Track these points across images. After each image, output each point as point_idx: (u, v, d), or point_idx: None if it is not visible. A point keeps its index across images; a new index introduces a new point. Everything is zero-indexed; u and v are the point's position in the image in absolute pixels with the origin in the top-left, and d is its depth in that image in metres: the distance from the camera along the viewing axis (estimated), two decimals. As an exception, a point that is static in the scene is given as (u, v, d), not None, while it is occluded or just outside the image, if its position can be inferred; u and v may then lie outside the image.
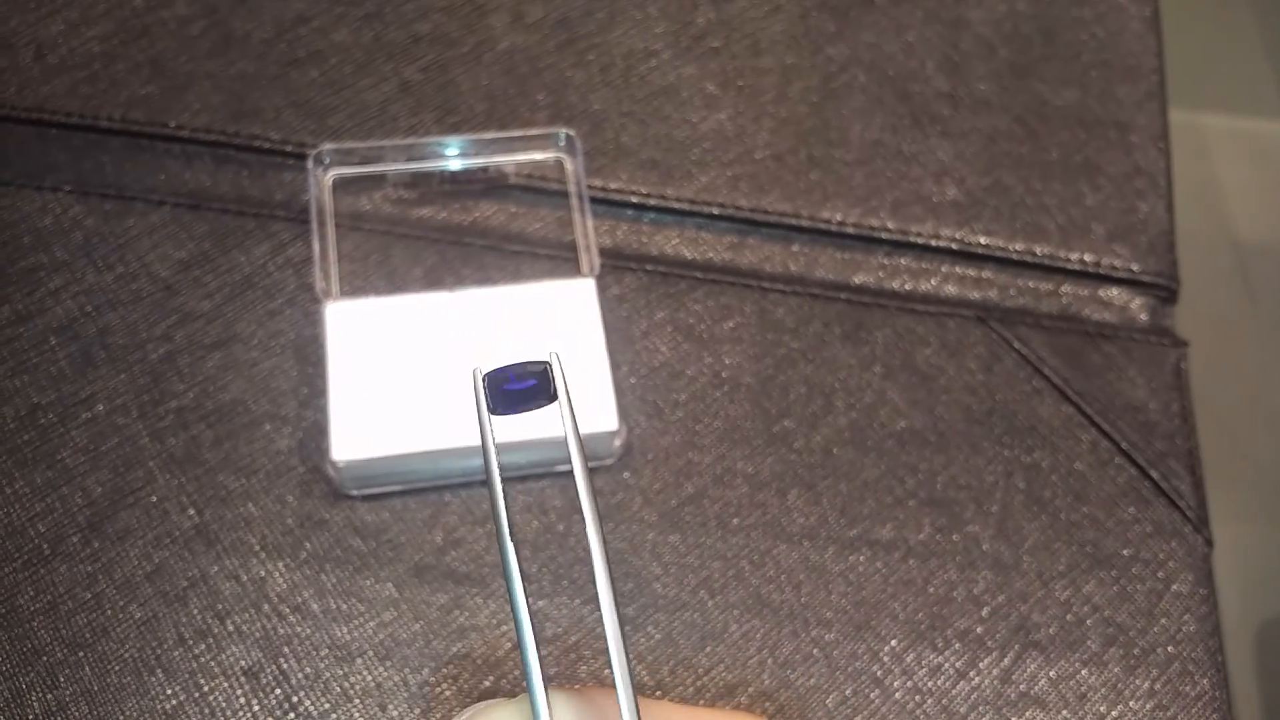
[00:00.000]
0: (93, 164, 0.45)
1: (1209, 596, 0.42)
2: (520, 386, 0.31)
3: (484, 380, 0.27)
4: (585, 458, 0.26)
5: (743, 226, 0.46)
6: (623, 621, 0.24)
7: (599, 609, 0.24)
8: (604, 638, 0.37)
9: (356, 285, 0.43)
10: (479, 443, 0.38)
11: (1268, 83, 1.08)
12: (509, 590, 0.24)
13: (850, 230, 0.46)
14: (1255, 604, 0.85)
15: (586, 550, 0.40)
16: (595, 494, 0.37)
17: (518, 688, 0.37)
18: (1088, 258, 0.47)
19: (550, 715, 0.23)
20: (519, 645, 0.23)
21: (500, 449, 0.41)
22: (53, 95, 0.46)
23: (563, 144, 0.46)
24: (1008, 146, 0.48)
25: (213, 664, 0.37)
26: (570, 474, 0.40)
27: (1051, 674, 0.39)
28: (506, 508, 0.26)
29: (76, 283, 0.43)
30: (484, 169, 0.46)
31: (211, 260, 0.43)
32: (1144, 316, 0.46)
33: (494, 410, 0.28)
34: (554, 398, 0.27)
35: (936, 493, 0.41)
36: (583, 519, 0.26)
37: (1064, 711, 0.39)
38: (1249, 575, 0.86)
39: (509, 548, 0.25)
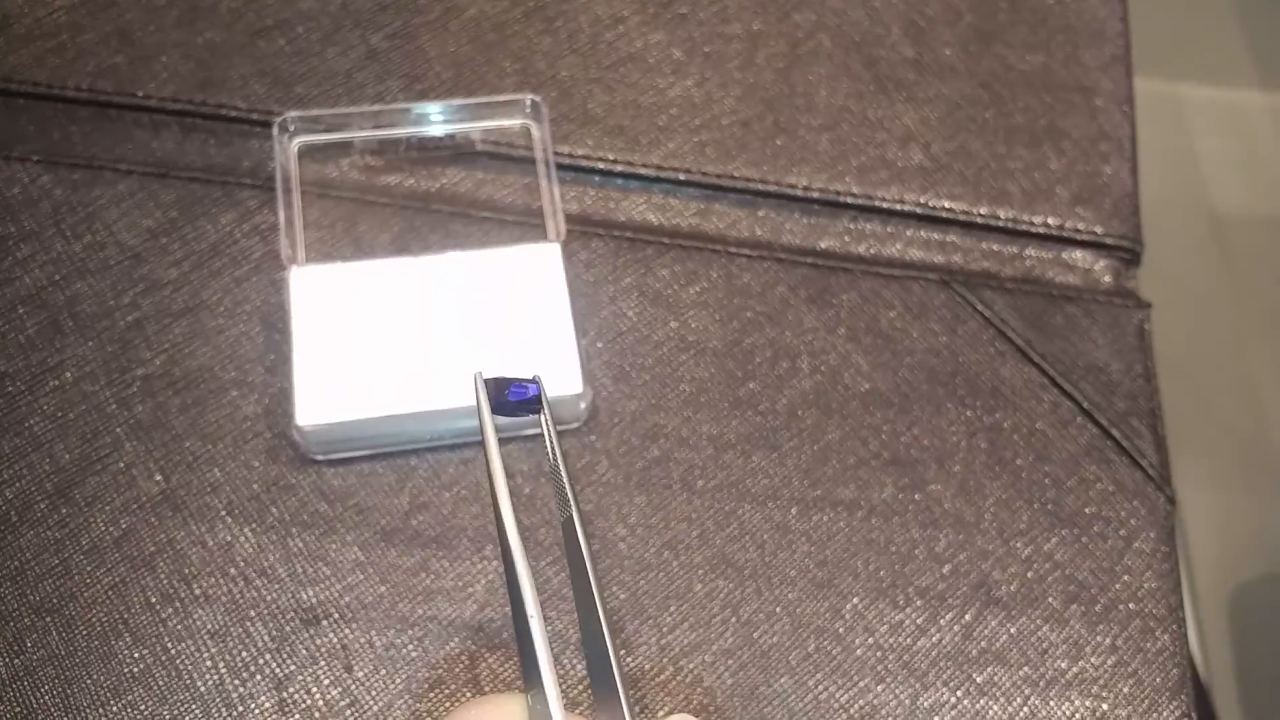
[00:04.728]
0: (60, 134, 0.45)
1: (1170, 554, 0.42)
2: (518, 396, 0.33)
3: (486, 384, 0.30)
4: (569, 473, 0.28)
5: (709, 192, 0.47)
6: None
7: (569, 572, 0.25)
8: (568, 599, 0.38)
9: (324, 252, 0.43)
10: (447, 407, 0.39)
11: (1242, 54, 1.08)
12: (511, 585, 0.25)
13: (816, 195, 0.46)
14: (1229, 566, 0.86)
15: (554, 513, 0.40)
16: (580, 510, 0.38)
17: (481, 649, 0.38)
18: (1051, 221, 0.47)
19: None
20: (517, 635, 0.24)
21: (469, 413, 0.41)
22: (20, 65, 0.46)
23: (529, 110, 0.46)
24: (972, 111, 0.48)
25: (180, 628, 0.37)
26: (537, 437, 0.41)
27: (1012, 630, 0.40)
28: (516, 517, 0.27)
29: (44, 252, 0.43)
30: (451, 136, 0.46)
31: (179, 228, 0.44)
32: (1107, 279, 0.47)
33: (495, 410, 0.31)
34: (538, 410, 0.30)
35: (899, 453, 0.42)
36: (554, 495, 0.28)
37: (1025, 668, 0.39)
38: (1223, 539, 0.87)
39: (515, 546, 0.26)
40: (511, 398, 0.31)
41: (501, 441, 0.41)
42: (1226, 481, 0.90)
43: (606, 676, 0.25)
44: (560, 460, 0.29)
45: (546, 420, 0.30)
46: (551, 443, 0.30)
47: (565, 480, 0.28)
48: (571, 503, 0.28)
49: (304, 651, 0.37)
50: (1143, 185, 0.49)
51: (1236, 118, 1.05)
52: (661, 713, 0.37)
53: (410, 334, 0.40)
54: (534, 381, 0.31)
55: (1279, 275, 0.99)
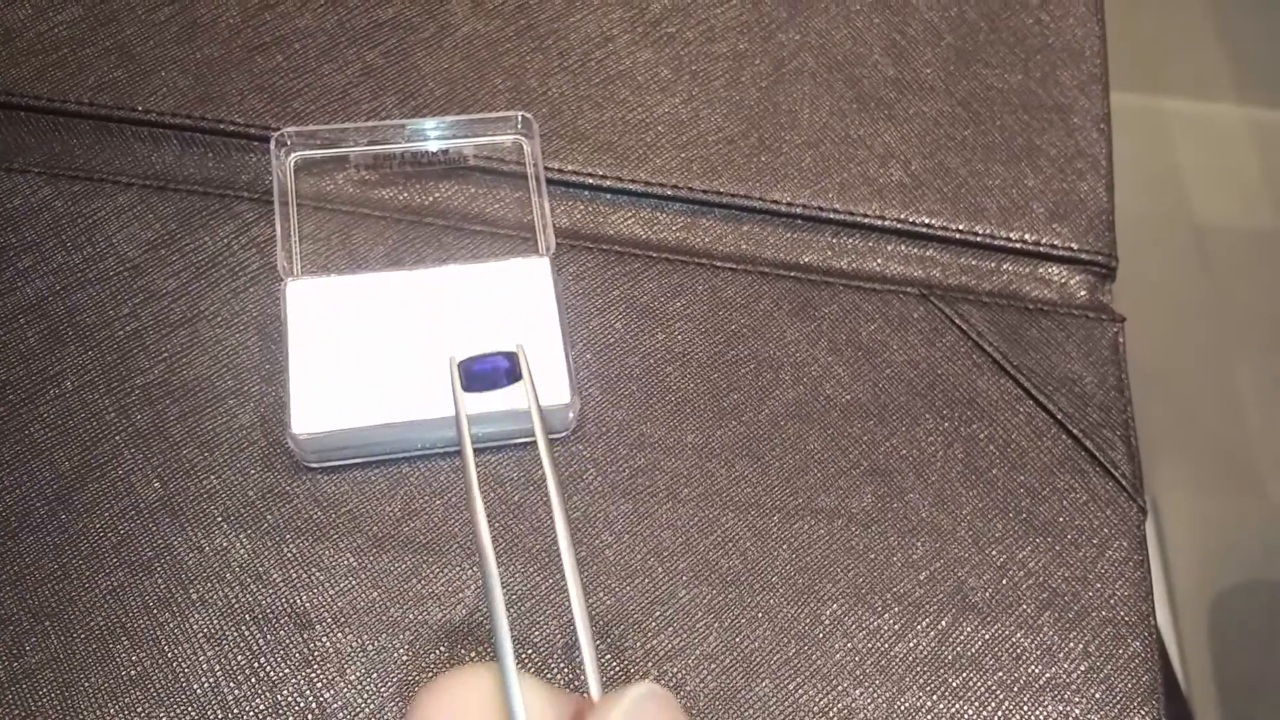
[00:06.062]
0: (61, 146, 0.46)
1: (1142, 562, 0.43)
2: (489, 367, 0.34)
3: (459, 366, 0.31)
4: (547, 433, 0.29)
5: (695, 208, 0.48)
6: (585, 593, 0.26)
7: (555, 577, 0.25)
8: (559, 605, 0.39)
9: (319, 264, 0.44)
10: (438, 416, 0.40)
11: (1220, 68, 1.10)
12: (480, 554, 0.26)
13: (799, 211, 0.48)
14: (1208, 573, 0.87)
15: (541, 521, 0.41)
16: (556, 463, 0.38)
17: (471, 653, 0.39)
18: (1028, 237, 0.48)
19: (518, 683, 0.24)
20: (490, 613, 0.25)
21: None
22: (21, 79, 0.47)
23: (521, 127, 0.47)
24: (951, 130, 0.50)
25: (177, 631, 0.38)
26: (526, 446, 0.42)
27: (986, 636, 0.41)
28: (479, 486, 0.28)
29: (45, 263, 0.44)
30: (444, 151, 0.47)
31: (177, 240, 0.45)
32: (1082, 293, 0.48)
33: (466, 388, 0.32)
34: (519, 378, 0.31)
35: (878, 463, 0.43)
36: (541, 491, 0.28)
37: (999, 673, 0.41)
38: (1202, 545, 0.88)
39: (480, 517, 0.27)
40: (477, 370, 0.32)
41: (493, 450, 0.42)
42: (1205, 488, 0.91)
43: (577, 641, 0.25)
44: (542, 437, 0.29)
45: (529, 389, 0.31)
46: (535, 417, 0.30)
47: (546, 459, 0.29)
48: (551, 483, 0.28)
49: (298, 655, 0.38)
50: (1122, 197, 0.50)
51: (1214, 130, 1.07)
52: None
53: (403, 345, 0.41)
54: (507, 355, 0.32)
55: (1256, 285, 1.00)
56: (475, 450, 0.41)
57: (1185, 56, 1.11)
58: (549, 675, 0.39)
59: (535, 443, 0.40)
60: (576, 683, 0.39)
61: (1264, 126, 1.07)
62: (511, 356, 0.32)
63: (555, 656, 0.39)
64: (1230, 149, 1.05)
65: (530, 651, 0.39)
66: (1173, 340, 0.95)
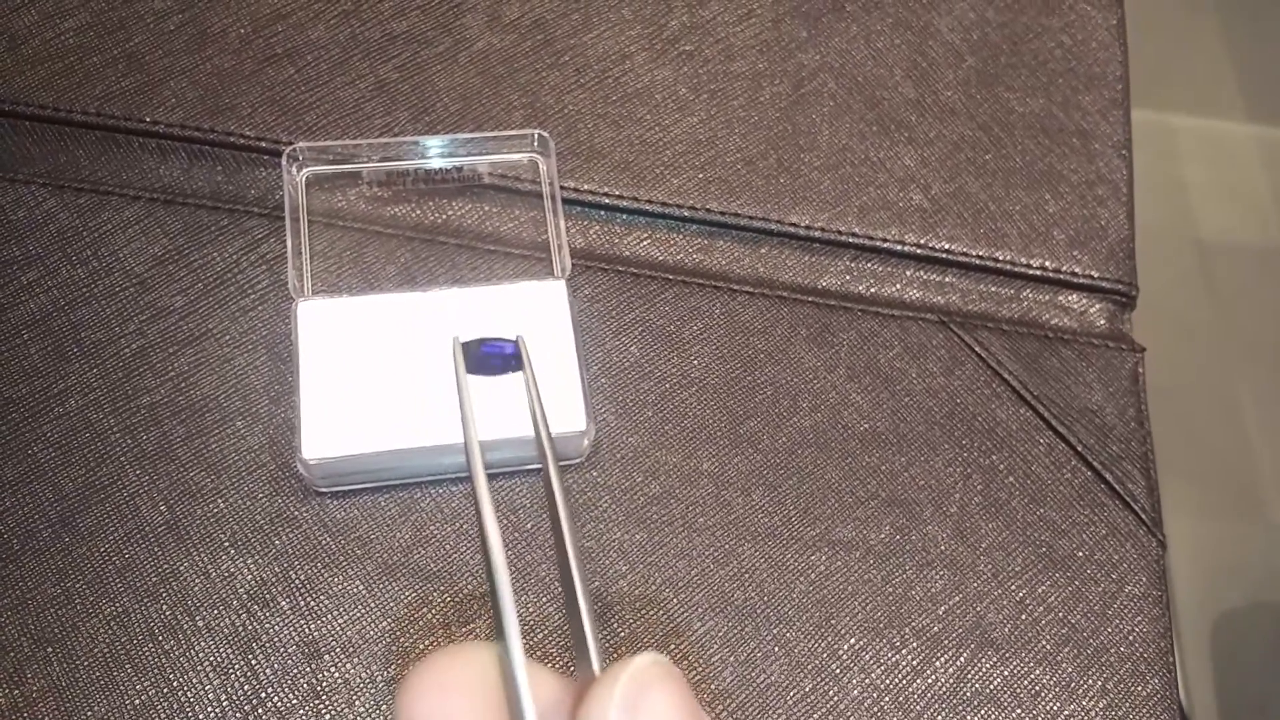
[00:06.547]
0: (67, 158, 0.45)
1: (1161, 598, 0.43)
2: (494, 351, 0.33)
3: (463, 347, 0.30)
4: (548, 427, 0.27)
5: (712, 229, 0.47)
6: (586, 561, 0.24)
7: (563, 594, 0.24)
8: (569, 634, 0.38)
9: (329, 282, 0.44)
10: (452, 442, 0.39)
11: (1230, 85, 1.10)
12: (480, 522, 0.24)
13: (817, 234, 0.47)
14: (1213, 596, 0.87)
15: (553, 548, 0.40)
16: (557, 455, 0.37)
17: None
18: (1048, 264, 0.48)
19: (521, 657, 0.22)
20: (488, 573, 0.23)
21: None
22: (27, 87, 0.46)
23: (536, 145, 0.46)
24: (972, 154, 0.49)
25: (182, 659, 0.38)
26: (539, 473, 0.41)
27: (1005, 672, 0.40)
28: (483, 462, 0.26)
29: (50, 277, 0.43)
30: (458, 168, 0.46)
31: (185, 256, 0.44)
32: (1102, 322, 0.47)
33: (470, 370, 0.31)
34: (520, 366, 0.30)
35: (896, 493, 0.42)
36: (549, 507, 0.27)
37: (1017, 710, 0.40)
38: (1207, 567, 0.88)
39: (482, 484, 0.25)
40: (486, 351, 0.32)
41: (504, 476, 0.41)
42: (1209, 511, 0.91)
43: (578, 624, 0.23)
44: (540, 413, 0.28)
45: (529, 379, 0.30)
46: (532, 397, 0.29)
47: (545, 436, 0.27)
48: (548, 450, 0.27)
49: (306, 686, 0.38)
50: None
51: (1223, 147, 1.07)
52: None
53: (416, 369, 0.40)
54: (513, 341, 0.31)
55: (1263, 304, 1.00)
56: (487, 477, 0.41)
57: (1194, 73, 1.10)
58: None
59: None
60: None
61: (1272, 144, 1.06)
62: (514, 345, 0.31)
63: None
64: (1238, 166, 1.04)
65: (542, 684, 0.38)
66: (1176, 359, 0.95)
